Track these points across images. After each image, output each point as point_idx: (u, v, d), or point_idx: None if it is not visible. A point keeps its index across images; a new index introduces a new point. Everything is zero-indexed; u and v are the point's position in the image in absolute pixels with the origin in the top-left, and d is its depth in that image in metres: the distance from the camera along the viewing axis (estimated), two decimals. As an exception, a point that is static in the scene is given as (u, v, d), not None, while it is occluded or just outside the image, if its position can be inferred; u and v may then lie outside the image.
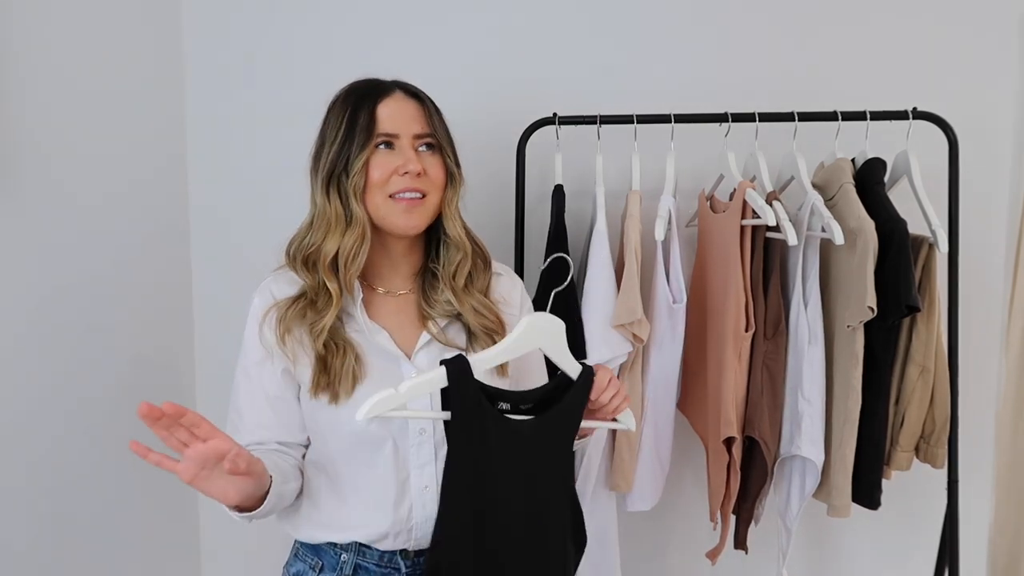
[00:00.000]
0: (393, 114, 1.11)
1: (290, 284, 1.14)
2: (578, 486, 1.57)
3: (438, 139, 1.14)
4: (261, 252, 1.77)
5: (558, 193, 1.59)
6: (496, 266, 1.24)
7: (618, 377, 1.51)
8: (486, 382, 1.06)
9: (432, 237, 1.19)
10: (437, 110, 1.16)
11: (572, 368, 1.09)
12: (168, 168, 1.78)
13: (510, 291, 1.24)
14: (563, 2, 1.75)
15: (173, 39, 1.77)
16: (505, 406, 1.06)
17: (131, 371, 1.66)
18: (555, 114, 1.58)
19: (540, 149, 1.62)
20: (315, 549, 1.17)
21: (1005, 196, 1.76)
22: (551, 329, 1.08)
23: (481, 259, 1.19)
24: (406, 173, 1.09)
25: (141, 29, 1.68)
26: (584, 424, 1.12)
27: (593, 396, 1.10)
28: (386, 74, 1.19)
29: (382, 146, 1.10)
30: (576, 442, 1.14)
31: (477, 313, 1.16)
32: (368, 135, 1.09)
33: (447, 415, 1.03)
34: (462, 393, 1.02)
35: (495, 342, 1.14)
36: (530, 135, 1.59)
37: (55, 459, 1.46)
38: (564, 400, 1.08)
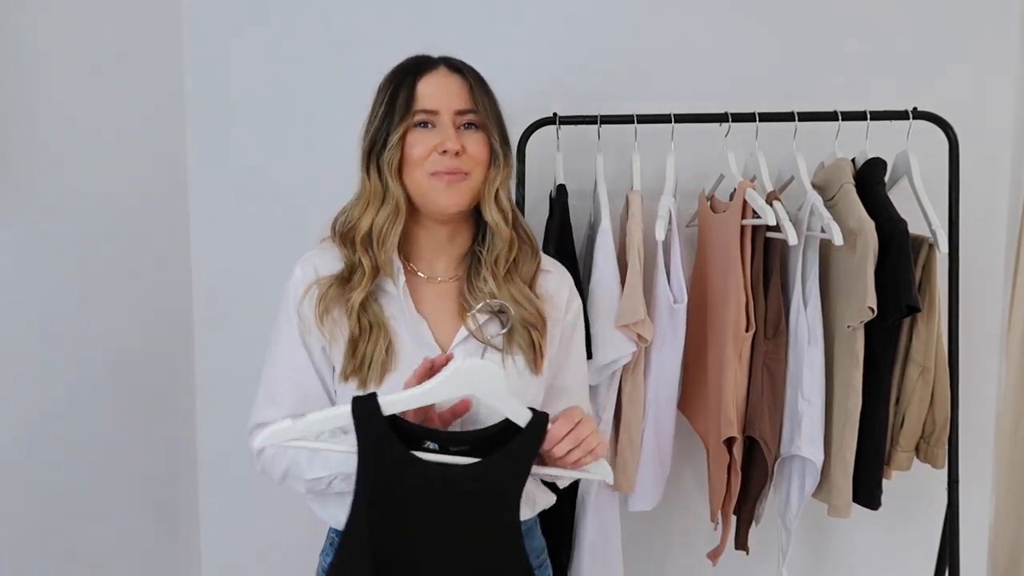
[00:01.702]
0: (435, 90, 1.08)
1: (334, 259, 1.12)
2: (580, 487, 1.57)
3: (481, 116, 1.10)
4: (262, 250, 1.79)
5: (561, 192, 1.58)
6: (546, 262, 1.19)
7: (621, 378, 1.52)
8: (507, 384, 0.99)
9: (481, 220, 1.14)
10: (483, 85, 1.13)
11: (519, 415, 0.99)
12: (168, 166, 1.78)
13: (557, 288, 1.19)
14: (563, 2, 1.75)
15: (173, 37, 1.77)
16: (432, 445, 0.98)
17: (131, 370, 1.65)
18: (555, 114, 1.58)
19: (540, 149, 1.62)
20: None
21: (1005, 196, 1.76)
22: (481, 377, 0.97)
23: (528, 247, 1.15)
24: (444, 152, 1.06)
25: (141, 27, 1.68)
26: (552, 472, 1.04)
27: (545, 447, 0.99)
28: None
29: (422, 125, 1.08)
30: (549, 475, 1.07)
31: (516, 303, 1.11)
32: (406, 111, 1.07)
33: (354, 450, 0.97)
34: (366, 433, 0.96)
35: (532, 337, 1.10)
36: (530, 135, 1.59)
37: (54, 459, 1.46)
38: (509, 446, 0.98)
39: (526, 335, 1.11)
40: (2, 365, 1.34)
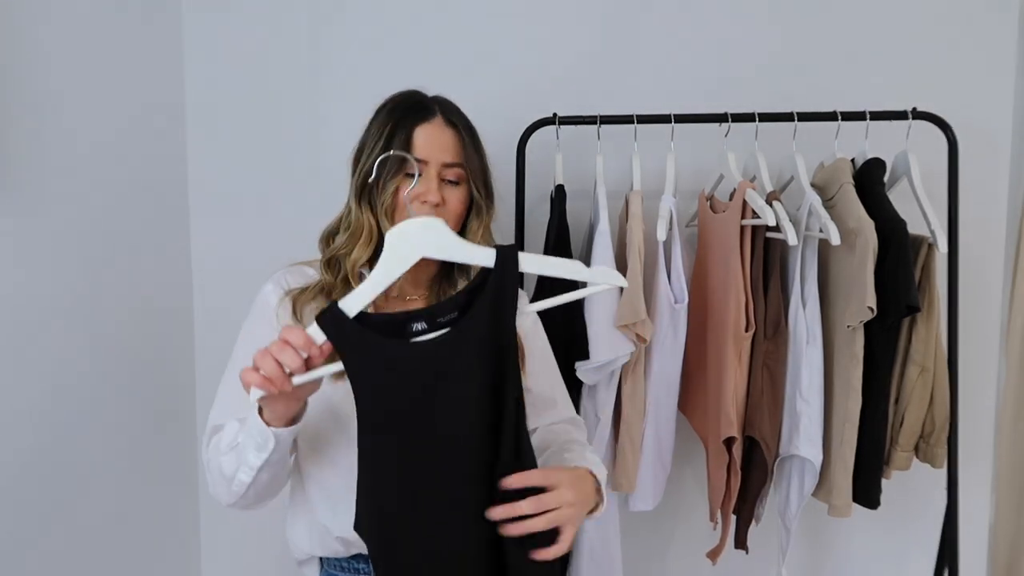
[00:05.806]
0: (428, 140, 1.11)
1: (304, 278, 1.16)
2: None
3: (467, 171, 1.14)
4: (261, 253, 1.79)
5: (559, 193, 1.58)
6: None
7: (620, 377, 1.52)
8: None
9: None
10: (474, 140, 1.16)
11: (484, 256, 0.94)
12: (168, 168, 1.78)
13: None
14: (563, 3, 1.75)
15: (173, 37, 1.78)
16: (420, 326, 0.93)
17: (131, 371, 1.65)
18: (555, 114, 1.58)
19: (540, 149, 1.63)
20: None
21: (1005, 196, 1.76)
22: (424, 234, 0.93)
23: None
24: (424, 202, 1.10)
25: (141, 28, 1.68)
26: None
27: (513, 483, 0.91)
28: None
29: (410, 174, 1.11)
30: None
31: None
32: (402, 160, 1.09)
33: (338, 366, 0.90)
34: (341, 341, 0.90)
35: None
36: (530, 135, 1.59)
37: (54, 459, 1.46)
38: (487, 288, 0.93)
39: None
40: (1, 364, 1.34)
